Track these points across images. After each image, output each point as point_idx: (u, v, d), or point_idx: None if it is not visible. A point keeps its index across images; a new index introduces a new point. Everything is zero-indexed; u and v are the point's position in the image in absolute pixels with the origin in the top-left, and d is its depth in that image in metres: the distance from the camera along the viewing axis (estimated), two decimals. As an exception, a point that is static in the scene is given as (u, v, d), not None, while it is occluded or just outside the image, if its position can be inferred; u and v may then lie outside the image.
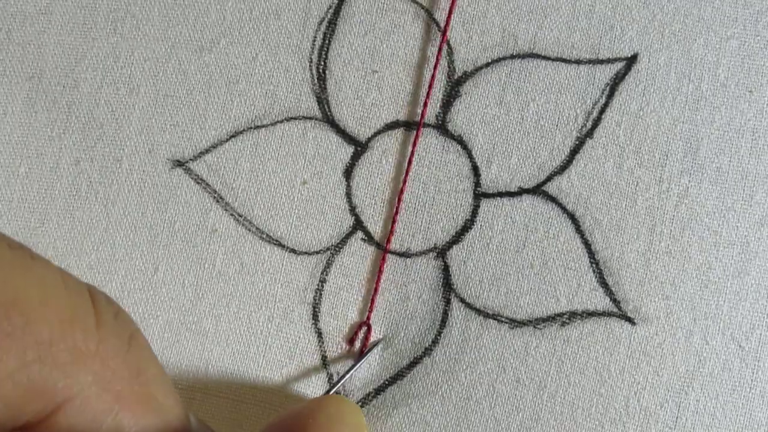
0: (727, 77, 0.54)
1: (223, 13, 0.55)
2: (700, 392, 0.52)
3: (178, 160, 0.54)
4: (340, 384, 0.52)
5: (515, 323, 0.53)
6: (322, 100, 0.55)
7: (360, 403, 0.52)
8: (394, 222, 0.53)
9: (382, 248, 0.54)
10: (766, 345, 0.52)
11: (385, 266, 0.53)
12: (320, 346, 0.53)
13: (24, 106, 0.54)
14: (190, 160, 0.54)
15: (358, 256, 0.54)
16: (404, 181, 0.53)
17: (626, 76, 0.54)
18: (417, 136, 0.54)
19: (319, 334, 0.53)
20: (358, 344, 0.53)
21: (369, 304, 0.53)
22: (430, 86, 0.54)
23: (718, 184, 0.54)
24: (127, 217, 0.54)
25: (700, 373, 0.52)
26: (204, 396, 0.53)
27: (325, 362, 0.53)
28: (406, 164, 0.54)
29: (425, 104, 0.54)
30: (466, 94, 0.54)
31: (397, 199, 0.53)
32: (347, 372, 0.52)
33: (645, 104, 0.54)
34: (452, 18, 0.55)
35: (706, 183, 0.54)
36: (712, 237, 0.53)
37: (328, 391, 0.52)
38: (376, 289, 0.53)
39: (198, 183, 0.54)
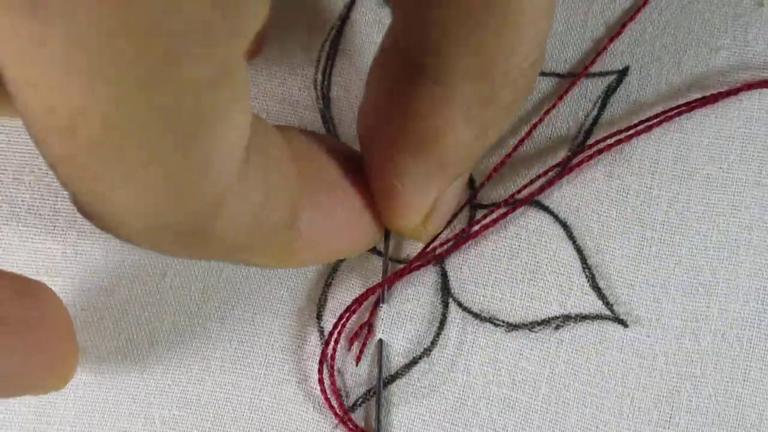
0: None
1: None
2: (692, 392, 0.53)
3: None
4: (343, 386, 0.55)
5: (511, 327, 0.55)
6: (327, 119, 0.57)
7: (359, 401, 0.55)
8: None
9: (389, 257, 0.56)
10: (756, 346, 0.53)
11: (387, 270, 0.55)
12: (322, 344, 0.55)
13: None
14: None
15: (363, 259, 0.56)
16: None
17: (618, 89, 0.56)
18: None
19: (321, 332, 0.55)
20: (357, 344, 0.55)
21: (371, 306, 0.55)
22: None
23: (707, 190, 0.55)
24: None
25: (691, 373, 0.53)
26: (200, 394, 0.55)
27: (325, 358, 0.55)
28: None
29: None
30: None
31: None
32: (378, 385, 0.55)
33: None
34: None
35: (695, 189, 0.55)
36: (702, 241, 0.54)
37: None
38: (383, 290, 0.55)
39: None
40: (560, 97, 0.56)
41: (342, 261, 0.56)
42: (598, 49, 0.57)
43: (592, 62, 0.56)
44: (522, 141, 0.56)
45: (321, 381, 0.53)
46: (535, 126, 0.56)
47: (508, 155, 0.56)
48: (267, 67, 0.58)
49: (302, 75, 0.58)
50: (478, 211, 0.56)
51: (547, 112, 0.56)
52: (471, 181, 0.56)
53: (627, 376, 0.54)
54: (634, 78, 0.56)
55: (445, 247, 0.55)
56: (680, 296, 0.54)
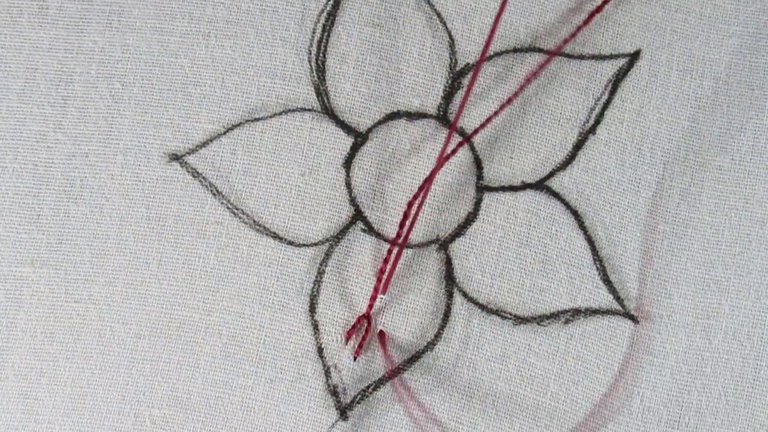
0: (728, 75, 0.54)
1: (218, 7, 0.54)
2: (702, 391, 0.52)
3: (174, 154, 0.53)
4: (340, 382, 0.52)
5: (519, 320, 0.52)
6: (320, 91, 0.54)
7: (359, 397, 0.52)
8: (414, 217, 0.52)
9: (383, 238, 0.53)
10: (767, 344, 0.52)
11: (386, 257, 0.52)
12: (316, 338, 0.52)
13: (18, 100, 0.54)
14: (186, 153, 0.53)
15: (358, 246, 0.53)
16: (430, 179, 0.52)
17: (629, 73, 0.54)
18: (448, 139, 0.53)
19: (315, 326, 0.52)
20: (356, 337, 0.52)
21: (369, 296, 0.52)
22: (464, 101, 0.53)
23: (719, 182, 0.53)
24: (120, 212, 0.53)
25: (702, 372, 0.52)
26: (190, 392, 0.52)
27: (321, 354, 0.52)
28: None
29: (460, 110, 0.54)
30: (467, 86, 0.54)
31: (422, 195, 0.52)
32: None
33: (647, 101, 0.54)
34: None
35: (707, 182, 0.53)
36: (714, 236, 0.53)
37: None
38: (381, 280, 0.52)
39: (194, 177, 0.53)
40: (540, 68, 0.53)
41: (335, 245, 0.53)
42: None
43: (573, 35, 0.54)
44: (503, 106, 0.53)
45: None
46: (516, 94, 0.53)
47: (489, 119, 0.53)
48: (257, 39, 0.54)
49: (295, 47, 0.54)
50: (485, 193, 0.53)
51: (528, 81, 0.53)
52: (477, 159, 0.54)
53: (637, 374, 0.52)
54: (645, 63, 0.54)
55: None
56: (692, 292, 0.53)
